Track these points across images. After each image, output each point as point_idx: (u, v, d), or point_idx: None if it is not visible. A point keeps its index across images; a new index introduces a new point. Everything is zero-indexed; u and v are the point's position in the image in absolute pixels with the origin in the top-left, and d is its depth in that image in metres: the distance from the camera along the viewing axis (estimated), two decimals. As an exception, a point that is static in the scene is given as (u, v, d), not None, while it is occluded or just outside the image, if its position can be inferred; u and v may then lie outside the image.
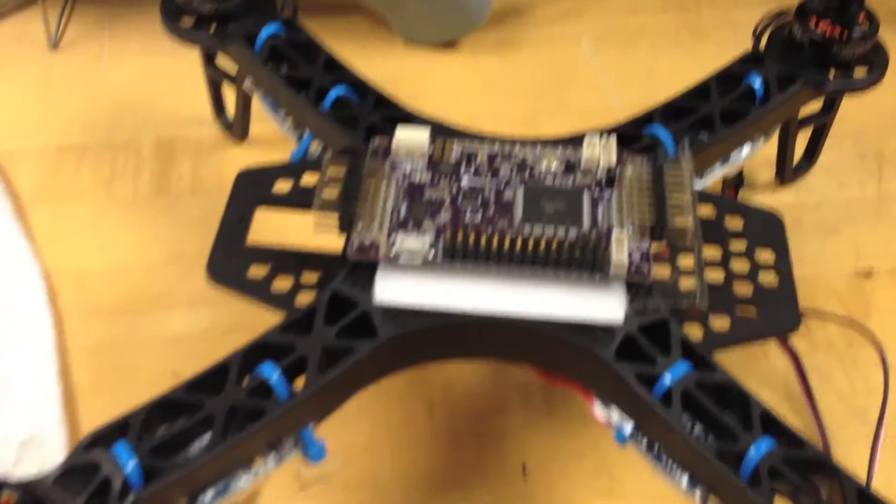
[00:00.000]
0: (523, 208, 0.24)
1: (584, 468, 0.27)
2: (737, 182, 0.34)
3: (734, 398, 0.22)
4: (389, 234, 0.23)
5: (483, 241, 0.23)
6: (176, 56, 0.33)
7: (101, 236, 0.33)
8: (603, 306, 0.23)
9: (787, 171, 0.34)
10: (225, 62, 0.32)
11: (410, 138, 0.25)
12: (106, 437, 0.21)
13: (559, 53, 0.39)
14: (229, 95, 0.34)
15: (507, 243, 0.23)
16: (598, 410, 0.23)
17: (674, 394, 0.22)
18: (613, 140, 0.25)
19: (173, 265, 0.32)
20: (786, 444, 0.21)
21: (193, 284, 0.30)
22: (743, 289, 0.25)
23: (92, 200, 0.34)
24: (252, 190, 0.26)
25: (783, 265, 0.25)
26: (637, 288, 0.23)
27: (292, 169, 0.27)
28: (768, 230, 0.26)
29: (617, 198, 0.24)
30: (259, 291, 0.24)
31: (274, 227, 0.26)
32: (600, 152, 0.24)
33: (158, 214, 0.34)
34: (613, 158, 0.24)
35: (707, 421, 0.22)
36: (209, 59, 0.32)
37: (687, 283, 0.24)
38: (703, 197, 0.26)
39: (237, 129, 0.34)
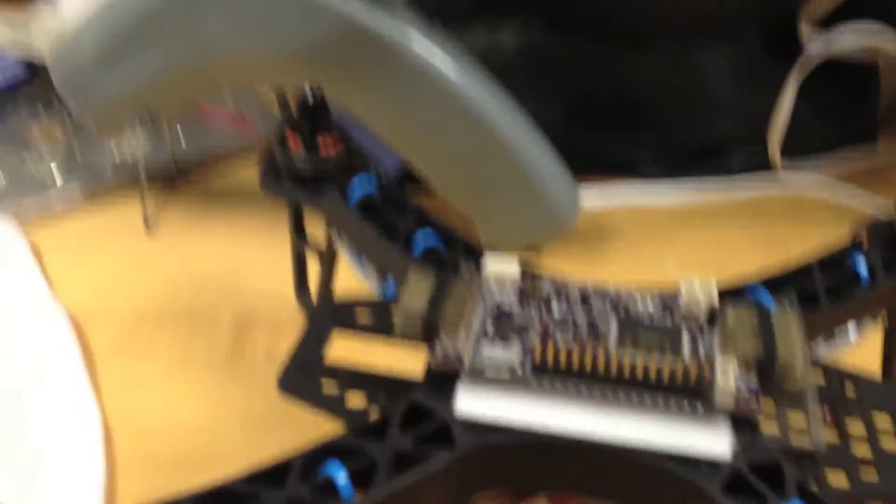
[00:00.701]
0: (618, 337, 0.22)
1: None
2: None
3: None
4: (475, 345, 0.22)
5: (575, 358, 0.21)
6: (260, 239, 0.36)
7: (169, 396, 0.32)
8: (707, 438, 0.21)
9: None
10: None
11: (501, 267, 0.24)
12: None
13: (643, 268, 0.39)
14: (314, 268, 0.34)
15: (601, 362, 0.21)
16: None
17: (789, 539, 0.19)
18: (713, 282, 0.24)
19: (239, 427, 0.30)
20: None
21: (258, 445, 0.29)
22: (861, 451, 0.22)
23: (164, 363, 0.33)
24: (332, 316, 0.25)
25: (905, 431, 0.23)
26: (744, 423, 0.21)
27: (374, 304, 0.26)
28: (884, 398, 0.24)
29: (720, 336, 0.22)
30: (332, 405, 0.23)
31: (351, 352, 0.25)
32: (699, 293, 0.23)
33: (230, 381, 0.33)
34: (715, 299, 0.23)
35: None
36: (298, 226, 0.33)
37: (798, 422, 0.21)
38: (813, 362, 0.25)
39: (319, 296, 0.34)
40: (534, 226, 0.39)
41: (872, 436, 0.23)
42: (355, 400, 0.23)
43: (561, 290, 0.24)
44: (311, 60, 0.35)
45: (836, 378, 0.24)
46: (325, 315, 0.25)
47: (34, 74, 0.48)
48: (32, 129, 0.45)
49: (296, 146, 0.31)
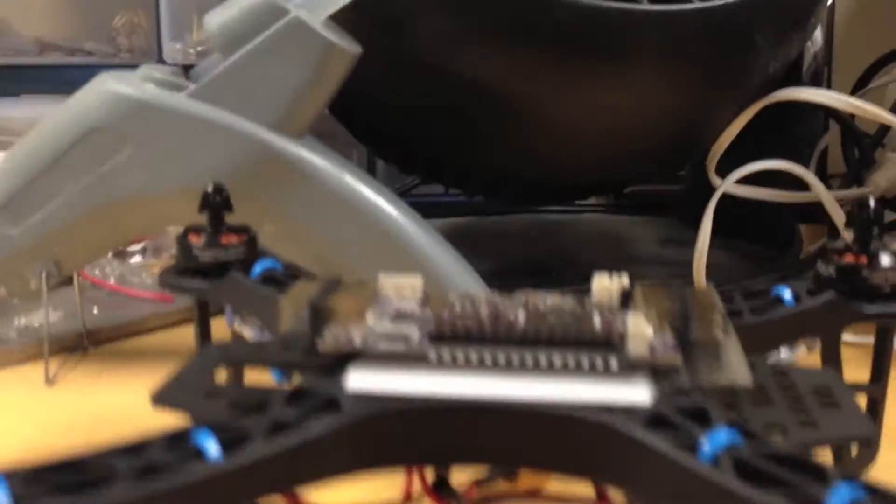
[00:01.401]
0: (525, 317, 0.21)
1: None
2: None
3: (806, 468, 0.17)
4: (369, 328, 0.20)
5: (476, 326, 0.20)
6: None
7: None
8: (625, 390, 0.19)
9: (844, 457, 0.30)
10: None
11: (403, 280, 0.23)
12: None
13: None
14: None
15: (504, 329, 0.20)
16: (630, 521, 0.18)
17: (722, 459, 0.17)
18: (625, 275, 0.23)
19: None
20: (878, 496, 0.16)
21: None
22: (799, 415, 0.20)
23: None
24: (220, 352, 0.23)
25: (845, 398, 0.21)
26: (664, 374, 0.19)
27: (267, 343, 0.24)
28: (823, 379, 0.22)
29: (633, 309, 0.21)
30: (211, 412, 0.20)
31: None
32: (610, 282, 0.22)
33: None
34: (626, 282, 0.22)
35: (774, 484, 0.16)
36: (202, 318, 0.31)
37: (719, 370, 0.19)
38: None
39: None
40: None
41: (810, 405, 0.20)
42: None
43: (464, 298, 0.22)
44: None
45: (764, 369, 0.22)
46: (209, 353, 0.23)
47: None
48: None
49: (197, 241, 0.30)
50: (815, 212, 0.48)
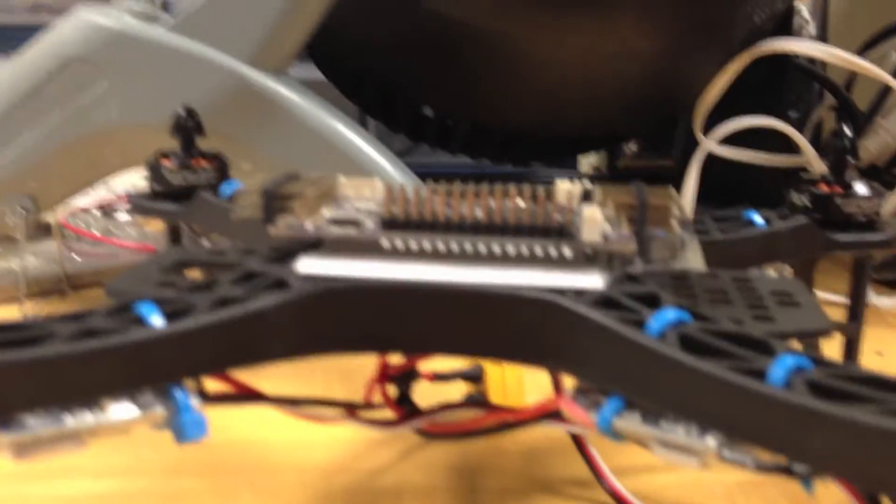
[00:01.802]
0: (482, 210, 0.20)
1: None
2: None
3: (751, 343, 0.16)
4: (319, 214, 0.20)
5: (429, 210, 0.19)
6: None
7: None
8: (579, 277, 0.18)
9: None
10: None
11: (362, 181, 0.22)
12: None
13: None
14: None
15: (457, 215, 0.19)
16: (574, 402, 0.17)
17: (668, 334, 0.16)
18: (586, 181, 0.22)
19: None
20: (822, 365, 0.15)
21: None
22: (757, 310, 0.20)
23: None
24: (176, 254, 0.23)
25: (806, 299, 0.20)
26: (619, 261, 0.19)
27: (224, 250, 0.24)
28: (787, 286, 0.22)
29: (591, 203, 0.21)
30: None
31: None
32: (572, 185, 0.22)
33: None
34: (588, 184, 0.22)
35: (719, 355, 0.16)
36: (174, 233, 0.31)
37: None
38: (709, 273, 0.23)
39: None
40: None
41: (770, 304, 0.20)
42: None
43: (428, 189, 0.22)
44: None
45: (729, 276, 0.22)
46: (171, 252, 0.23)
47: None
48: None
49: (168, 163, 0.30)
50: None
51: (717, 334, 0.16)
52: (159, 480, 0.25)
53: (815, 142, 0.57)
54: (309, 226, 0.19)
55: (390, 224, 0.19)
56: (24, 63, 0.36)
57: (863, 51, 0.55)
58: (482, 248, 0.19)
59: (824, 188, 0.27)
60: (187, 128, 0.30)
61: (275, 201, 0.20)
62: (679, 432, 0.16)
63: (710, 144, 0.43)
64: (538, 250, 0.19)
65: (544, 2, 0.35)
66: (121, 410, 0.16)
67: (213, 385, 0.18)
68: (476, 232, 0.19)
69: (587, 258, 0.19)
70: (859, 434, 0.13)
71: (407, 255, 0.19)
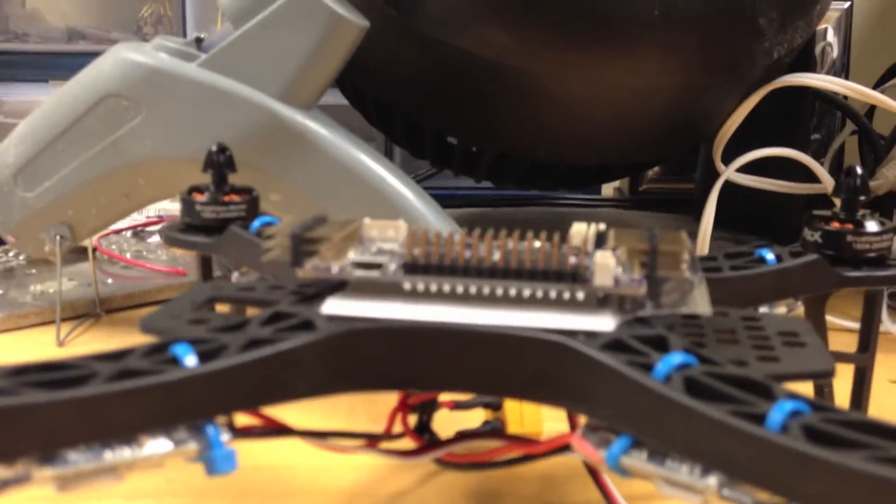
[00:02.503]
0: (500, 254, 0.21)
1: None
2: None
3: (754, 387, 0.17)
4: (345, 257, 0.21)
5: (449, 256, 0.21)
6: None
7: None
8: (590, 320, 0.19)
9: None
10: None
11: (385, 223, 0.23)
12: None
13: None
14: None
15: (475, 260, 0.20)
16: (584, 440, 0.18)
17: (674, 377, 0.17)
18: (602, 225, 0.23)
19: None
20: (819, 410, 0.16)
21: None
22: (764, 351, 0.21)
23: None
24: (208, 289, 0.24)
25: (812, 340, 0.21)
26: (630, 305, 0.20)
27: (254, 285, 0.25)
28: (794, 326, 0.22)
29: (603, 247, 0.22)
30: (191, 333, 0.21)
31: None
32: (587, 228, 0.23)
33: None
34: (602, 226, 0.23)
35: (722, 399, 0.17)
36: (205, 271, 0.32)
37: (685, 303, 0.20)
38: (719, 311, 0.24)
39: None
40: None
41: (775, 342, 0.21)
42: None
43: (449, 241, 0.23)
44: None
45: (738, 315, 0.23)
46: (204, 288, 0.24)
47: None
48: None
49: (200, 197, 0.31)
50: (823, 206, 0.48)
51: (721, 378, 0.17)
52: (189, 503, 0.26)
53: (838, 168, 0.58)
54: (335, 268, 0.20)
55: (412, 267, 0.20)
56: (63, 97, 0.37)
57: (882, 80, 0.56)
58: (499, 290, 0.20)
59: (836, 225, 0.28)
60: (219, 164, 0.31)
61: (302, 245, 0.21)
62: (682, 471, 0.16)
63: (730, 173, 0.44)
64: (552, 293, 0.20)
65: (569, 43, 0.37)
66: (156, 446, 0.17)
67: (242, 417, 0.19)
68: (493, 275, 0.20)
69: (599, 301, 0.20)
70: (852, 479, 0.14)
71: (427, 296, 0.20)
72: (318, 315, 0.20)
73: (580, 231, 0.22)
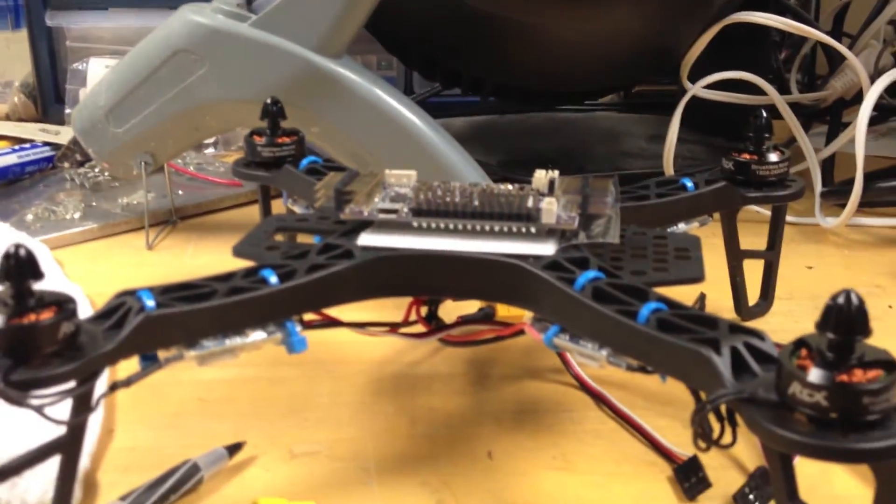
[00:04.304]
0: (479, 196, 0.31)
1: (543, 455, 0.31)
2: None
3: (638, 291, 0.27)
4: (374, 204, 0.30)
5: (444, 201, 0.30)
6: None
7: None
8: (537, 247, 0.29)
9: (742, 307, 0.40)
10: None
11: (401, 172, 0.33)
12: (133, 291, 0.27)
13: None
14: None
15: (462, 204, 0.30)
16: (532, 327, 0.28)
17: (587, 288, 0.27)
18: (555, 171, 0.32)
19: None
20: (673, 307, 0.26)
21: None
22: (659, 263, 0.30)
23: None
24: (275, 222, 0.34)
25: (695, 252, 0.31)
26: (567, 237, 0.29)
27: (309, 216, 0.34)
28: (688, 241, 0.32)
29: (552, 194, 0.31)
30: (270, 259, 0.31)
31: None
32: (546, 176, 0.32)
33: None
34: (555, 174, 0.32)
35: (614, 301, 0.26)
36: (265, 201, 0.42)
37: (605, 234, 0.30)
38: (637, 231, 0.33)
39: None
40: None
41: (669, 255, 0.30)
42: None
43: (445, 184, 0.32)
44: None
45: (651, 234, 0.32)
46: (269, 222, 0.34)
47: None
48: (59, 195, 0.55)
49: (259, 140, 0.40)
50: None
51: (616, 287, 0.27)
52: (266, 369, 0.37)
53: (810, 76, 0.66)
54: (365, 212, 0.30)
55: (418, 211, 0.30)
56: (141, 51, 0.46)
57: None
58: (479, 226, 0.29)
59: (745, 156, 0.37)
60: (273, 113, 0.40)
61: (342, 195, 0.30)
62: (588, 347, 0.26)
63: (695, 90, 0.52)
64: (514, 228, 0.29)
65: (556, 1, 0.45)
66: (256, 335, 0.27)
67: (308, 315, 0.29)
68: (475, 216, 0.30)
69: (546, 233, 0.29)
70: (677, 352, 0.24)
71: (430, 231, 0.30)
72: (355, 246, 0.29)
73: (539, 178, 0.31)
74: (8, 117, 0.74)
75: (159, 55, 0.45)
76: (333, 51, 0.45)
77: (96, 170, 0.56)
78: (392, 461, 0.31)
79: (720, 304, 0.40)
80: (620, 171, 0.55)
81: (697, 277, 0.29)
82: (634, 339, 0.25)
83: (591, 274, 0.27)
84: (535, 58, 0.48)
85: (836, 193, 0.50)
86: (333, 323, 0.30)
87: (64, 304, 0.24)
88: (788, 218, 0.50)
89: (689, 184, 0.36)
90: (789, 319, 0.40)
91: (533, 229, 0.29)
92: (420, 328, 0.33)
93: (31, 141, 0.60)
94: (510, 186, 0.31)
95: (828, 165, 0.53)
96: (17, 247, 0.24)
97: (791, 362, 0.21)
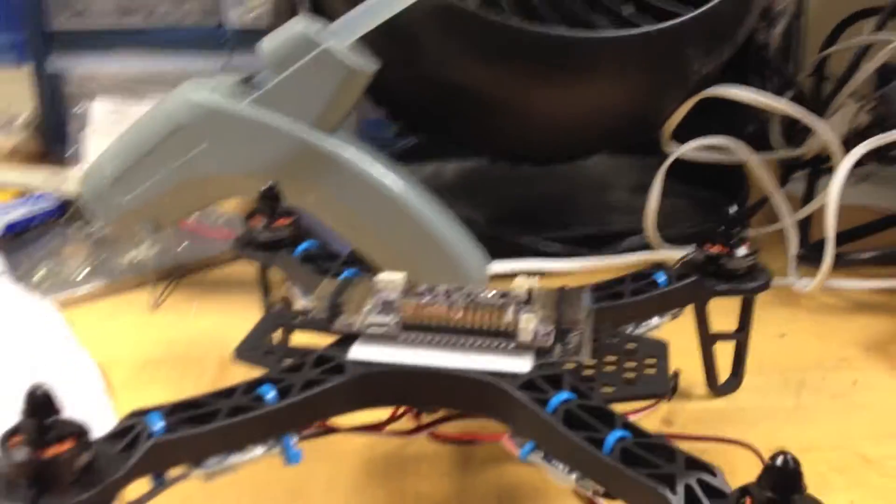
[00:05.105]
0: (464, 308, 0.33)
1: None
2: (672, 388, 0.42)
3: (606, 415, 0.29)
4: (364, 317, 0.33)
5: (430, 317, 0.32)
6: (237, 309, 0.45)
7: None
8: (514, 363, 0.31)
9: (713, 384, 0.42)
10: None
11: (390, 276, 0.35)
12: (144, 411, 0.29)
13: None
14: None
15: (447, 321, 0.32)
16: (510, 441, 0.30)
17: (559, 410, 0.29)
18: (535, 279, 0.35)
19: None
20: (641, 435, 0.28)
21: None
22: (629, 374, 0.33)
23: (164, 394, 0.44)
24: (274, 319, 0.36)
25: (662, 364, 0.33)
26: (543, 353, 0.32)
27: (305, 312, 0.37)
28: (655, 348, 0.34)
29: (531, 307, 0.33)
30: (269, 364, 0.33)
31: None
32: (526, 283, 0.34)
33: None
34: (534, 284, 0.34)
35: (582, 427, 0.29)
36: (263, 278, 0.44)
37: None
38: (611, 333, 0.35)
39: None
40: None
41: (640, 366, 0.33)
42: (287, 362, 0.34)
43: (431, 289, 0.35)
44: (276, 174, 0.47)
45: (624, 338, 0.35)
46: (268, 319, 0.36)
47: (66, 209, 0.61)
48: (66, 249, 0.57)
49: (258, 222, 0.43)
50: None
51: (586, 409, 0.29)
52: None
53: (789, 127, 0.68)
54: (355, 325, 0.32)
55: (406, 326, 0.32)
56: (144, 126, 0.48)
57: (835, 31, 0.64)
58: (461, 341, 0.32)
59: (714, 249, 0.39)
60: (270, 198, 0.43)
61: (333, 308, 0.33)
62: (559, 468, 0.29)
63: (677, 153, 0.55)
64: (493, 344, 0.32)
65: (536, 77, 0.47)
66: (256, 451, 0.30)
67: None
68: (457, 331, 0.32)
69: (524, 348, 0.32)
70: (637, 486, 0.26)
71: (416, 343, 0.32)
72: (346, 360, 0.32)
73: (520, 285, 0.34)
74: (11, 152, 0.76)
75: (160, 131, 0.47)
76: (329, 126, 0.47)
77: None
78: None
79: (694, 378, 0.42)
80: (605, 228, 0.57)
81: (662, 393, 0.32)
82: (600, 468, 0.27)
83: (564, 396, 0.30)
84: (518, 128, 0.50)
85: (807, 259, 0.53)
86: (328, 431, 0.33)
87: (81, 437, 0.27)
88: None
89: (662, 279, 0.39)
90: (758, 395, 0.43)
91: (511, 346, 0.32)
92: (408, 423, 0.35)
93: (37, 190, 0.62)
94: (491, 294, 0.34)
95: (804, 226, 0.55)
96: (36, 387, 0.26)
97: (736, 509, 0.24)
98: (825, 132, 0.52)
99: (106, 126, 0.72)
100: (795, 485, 0.23)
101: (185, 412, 0.29)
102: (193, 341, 0.48)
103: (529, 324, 0.32)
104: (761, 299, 0.42)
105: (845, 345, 0.48)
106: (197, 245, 0.57)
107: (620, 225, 0.58)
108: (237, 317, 0.47)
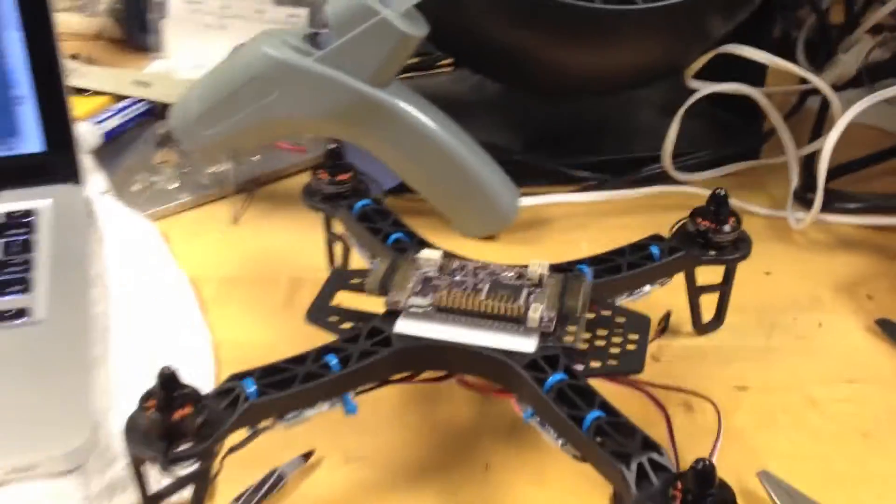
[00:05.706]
0: (487, 292, 0.42)
1: (528, 470, 0.43)
2: (663, 327, 0.51)
3: (588, 395, 0.38)
4: (408, 296, 0.42)
5: (460, 303, 0.41)
6: (307, 228, 0.54)
7: (247, 327, 0.52)
8: (523, 343, 0.40)
9: (699, 326, 0.51)
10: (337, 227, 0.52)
11: (430, 254, 0.44)
12: (240, 375, 0.39)
13: (565, 249, 0.57)
14: (338, 251, 0.54)
15: (473, 305, 0.41)
16: (516, 404, 0.40)
17: (553, 388, 0.38)
18: (546, 263, 0.43)
19: (289, 343, 0.50)
20: (612, 415, 0.37)
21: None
22: (614, 349, 0.41)
23: (244, 308, 0.54)
24: (337, 280, 0.45)
25: (642, 341, 0.42)
26: (546, 336, 0.40)
27: (362, 273, 0.46)
28: (640, 323, 0.43)
29: (542, 292, 0.42)
30: (333, 328, 0.43)
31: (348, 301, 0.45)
32: (537, 268, 0.43)
33: (284, 320, 0.53)
34: (545, 270, 0.42)
35: (569, 405, 0.38)
36: (327, 225, 0.53)
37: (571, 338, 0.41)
38: (606, 305, 0.44)
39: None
40: (488, 220, 0.59)
41: (623, 342, 0.42)
42: (347, 325, 0.43)
43: (462, 266, 0.43)
44: (337, 119, 0.55)
45: (616, 311, 0.43)
46: (333, 280, 0.45)
47: (154, 114, 0.69)
48: (156, 155, 0.66)
49: (323, 177, 0.51)
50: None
51: (574, 388, 0.38)
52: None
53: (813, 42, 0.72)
54: (400, 303, 0.41)
55: (440, 308, 0.41)
56: (224, 73, 0.56)
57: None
58: (483, 323, 0.41)
59: (705, 224, 0.47)
60: (333, 154, 0.51)
61: (385, 285, 0.42)
62: (551, 433, 0.38)
63: (699, 94, 0.61)
64: (509, 327, 0.41)
65: (569, 41, 0.53)
66: (324, 406, 0.39)
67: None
68: (482, 314, 0.41)
69: (531, 331, 0.41)
70: (604, 459, 0.36)
71: (447, 321, 0.41)
72: (392, 333, 0.41)
73: (534, 269, 0.42)
74: (96, 35, 0.84)
75: (237, 79, 0.55)
76: (383, 80, 0.54)
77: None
78: (414, 469, 0.43)
79: (683, 316, 0.51)
80: (631, 154, 0.64)
81: (636, 370, 0.41)
82: (579, 440, 0.37)
83: (558, 376, 0.39)
84: (554, 77, 0.57)
85: (802, 199, 0.60)
86: (380, 384, 0.43)
87: (197, 403, 0.37)
88: (761, 210, 0.60)
89: (656, 251, 0.47)
90: (735, 335, 0.51)
91: (521, 329, 0.41)
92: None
93: (127, 97, 0.70)
94: (511, 274, 0.42)
95: (807, 162, 0.61)
96: (165, 369, 0.36)
97: (668, 491, 0.33)
98: (820, 85, 0.57)
99: (183, 17, 0.79)
100: (711, 481, 0.32)
101: (271, 377, 0.39)
102: (269, 259, 0.57)
103: (536, 312, 0.40)
104: (757, 234, 0.49)
105: (820, 285, 0.55)
106: (270, 157, 0.66)
107: (645, 151, 0.64)
108: (305, 235, 0.56)
